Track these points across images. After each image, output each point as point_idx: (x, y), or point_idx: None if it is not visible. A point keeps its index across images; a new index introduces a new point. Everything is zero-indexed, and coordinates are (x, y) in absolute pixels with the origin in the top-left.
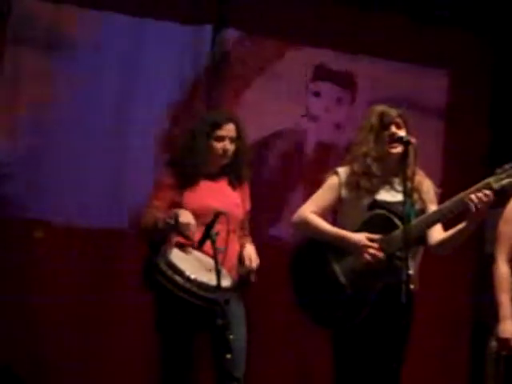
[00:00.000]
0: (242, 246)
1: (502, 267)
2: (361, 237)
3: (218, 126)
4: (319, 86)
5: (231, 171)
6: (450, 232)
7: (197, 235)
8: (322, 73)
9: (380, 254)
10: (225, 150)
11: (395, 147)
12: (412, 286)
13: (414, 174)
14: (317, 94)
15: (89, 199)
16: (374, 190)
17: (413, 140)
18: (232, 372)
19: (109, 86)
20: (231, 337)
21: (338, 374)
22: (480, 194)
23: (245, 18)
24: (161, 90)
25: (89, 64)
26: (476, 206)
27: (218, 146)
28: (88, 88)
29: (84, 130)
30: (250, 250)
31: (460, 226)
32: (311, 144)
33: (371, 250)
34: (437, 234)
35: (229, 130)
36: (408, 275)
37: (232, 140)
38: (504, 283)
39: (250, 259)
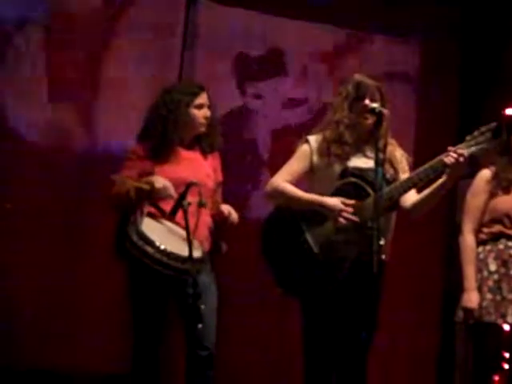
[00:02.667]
0: (216, 209)
1: (467, 238)
2: (336, 201)
3: (196, 94)
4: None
5: (204, 140)
6: (424, 193)
7: (169, 206)
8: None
9: (355, 218)
10: (206, 117)
11: (367, 118)
12: (383, 256)
13: (385, 144)
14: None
15: None
16: (346, 157)
17: (385, 112)
18: (203, 341)
19: None
20: (202, 307)
21: (308, 343)
22: (454, 154)
23: None
24: None
25: None
26: (452, 165)
27: (199, 113)
28: None
29: None
30: (228, 207)
31: (434, 187)
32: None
33: (346, 214)
34: (410, 197)
35: (205, 97)
36: (379, 245)
37: (209, 107)
38: (469, 254)
39: (229, 211)
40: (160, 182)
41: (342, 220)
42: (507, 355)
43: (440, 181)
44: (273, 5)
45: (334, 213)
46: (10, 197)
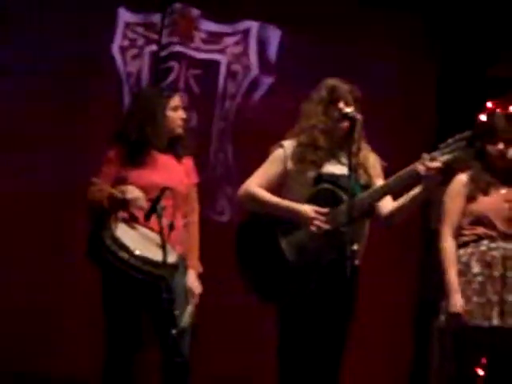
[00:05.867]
0: (188, 224)
1: (447, 242)
2: (308, 209)
3: (172, 96)
4: None
5: (179, 143)
6: (400, 201)
7: (142, 212)
8: None
9: (326, 226)
10: (183, 119)
11: (341, 123)
12: (356, 262)
13: (359, 149)
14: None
15: None
16: (320, 163)
17: (359, 116)
18: (178, 348)
19: None
20: (176, 312)
21: (282, 349)
22: (427, 163)
23: None
24: None
25: None
26: (425, 173)
27: (176, 115)
28: None
29: None
30: (192, 279)
31: (411, 195)
32: None
33: (317, 222)
34: (386, 204)
35: (179, 99)
36: (352, 251)
37: (184, 109)
38: (450, 257)
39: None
40: (132, 192)
41: (313, 228)
42: (484, 361)
43: (416, 190)
44: None
45: (306, 221)
46: None
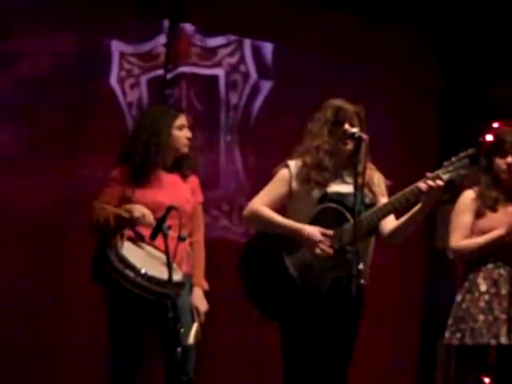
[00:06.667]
0: (194, 243)
1: (458, 243)
2: (314, 231)
3: (176, 115)
4: None
5: (184, 162)
6: (402, 220)
7: (147, 231)
8: None
9: (330, 251)
10: (188, 138)
11: (347, 143)
12: (362, 281)
13: (365, 168)
14: None
15: None
16: (325, 184)
17: (365, 137)
18: (183, 365)
19: None
20: (182, 330)
21: (287, 367)
22: (430, 182)
23: (200, 12)
24: None
25: None
26: (427, 191)
27: (181, 134)
28: None
29: None
30: (198, 297)
31: (411, 213)
32: None
33: (322, 246)
34: (389, 223)
35: (184, 118)
36: (358, 269)
37: (189, 129)
38: (471, 239)
39: (199, 312)
40: (139, 210)
41: (318, 251)
42: (487, 380)
43: (416, 207)
44: None
45: (310, 242)
46: None
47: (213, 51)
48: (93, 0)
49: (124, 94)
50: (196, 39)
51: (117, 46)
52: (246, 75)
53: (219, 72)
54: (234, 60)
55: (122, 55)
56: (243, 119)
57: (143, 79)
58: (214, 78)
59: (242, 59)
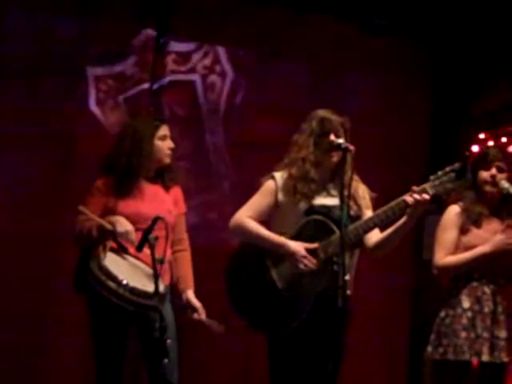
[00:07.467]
0: (178, 252)
1: (444, 259)
2: (298, 247)
3: (158, 126)
4: None
5: (166, 172)
6: (386, 232)
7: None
8: None
9: (313, 266)
10: (171, 148)
11: (333, 155)
12: (348, 292)
13: (350, 180)
14: None
15: None
16: (311, 196)
17: (351, 147)
18: (167, 376)
19: None
20: (168, 341)
21: (274, 377)
22: (416, 196)
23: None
24: None
25: None
26: (413, 205)
27: (164, 144)
28: None
29: None
30: (194, 297)
31: (396, 226)
32: None
33: (306, 261)
34: (373, 236)
35: (166, 129)
36: (345, 280)
37: (171, 139)
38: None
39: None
40: (122, 225)
41: (302, 267)
42: None
43: (401, 220)
44: None
45: (295, 258)
46: None
47: (185, 57)
48: None
49: (105, 116)
50: (171, 46)
51: (91, 70)
52: (223, 74)
53: (194, 76)
54: (208, 61)
55: (98, 78)
56: (226, 118)
57: (120, 99)
58: (191, 83)
59: (217, 58)
